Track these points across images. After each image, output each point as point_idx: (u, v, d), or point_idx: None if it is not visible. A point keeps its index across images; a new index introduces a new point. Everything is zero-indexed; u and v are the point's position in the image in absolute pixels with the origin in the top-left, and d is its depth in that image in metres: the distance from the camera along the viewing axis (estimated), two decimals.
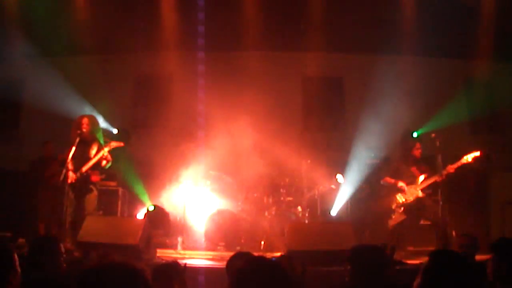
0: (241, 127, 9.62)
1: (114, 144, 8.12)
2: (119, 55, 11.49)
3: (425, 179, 8.44)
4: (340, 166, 10.87)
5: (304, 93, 12.32)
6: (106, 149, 7.99)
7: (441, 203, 7.77)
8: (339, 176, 10.32)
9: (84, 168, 7.85)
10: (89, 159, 7.93)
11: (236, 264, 3.92)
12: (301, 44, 11.14)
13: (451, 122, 10.12)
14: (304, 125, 12.16)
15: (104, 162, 8.00)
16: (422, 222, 9.09)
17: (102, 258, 5.49)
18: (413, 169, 8.63)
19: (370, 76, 11.62)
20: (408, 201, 8.47)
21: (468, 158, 8.08)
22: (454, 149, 9.01)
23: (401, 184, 8.55)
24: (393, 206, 8.61)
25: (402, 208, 8.50)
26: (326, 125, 12.23)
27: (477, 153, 8.08)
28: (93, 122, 8.22)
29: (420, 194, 8.43)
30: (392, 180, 8.70)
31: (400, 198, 8.53)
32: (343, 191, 10.18)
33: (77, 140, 7.81)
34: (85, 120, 8.07)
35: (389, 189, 8.89)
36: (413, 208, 8.46)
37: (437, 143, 8.05)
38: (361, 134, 11.48)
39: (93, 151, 8.03)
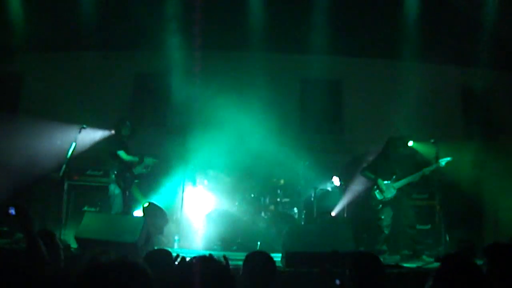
0: (240, 127, 9.64)
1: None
2: (119, 52, 11.42)
3: (402, 177, 8.45)
4: (337, 168, 10.92)
5: (302, 95, 12.34)
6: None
7: (438, 207, 7.81)
8: (335, 178, 10.36)
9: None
10: None
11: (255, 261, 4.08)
12: (301, 46, 11.16)
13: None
14: (301, 127, 12.18)
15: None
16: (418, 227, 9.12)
17: (100, 255, 5.48)
18: (394, 166, 8.61)
19: (369, 80, 11.69)
20: (386, 198, 8.46)
21: (442, 162, 8.15)
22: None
23: (380, 180, 8.52)
24: (373, 203, 8.58)
25: (381, 205, 8.49)
26: (324, 127, 12.27)
27: (449, 159, 8.14)
28: None
29: (397, 192, 8.41)
30: (372, 176, 8.67)
31: (379, 195, 8.52)
32: (340, 193, 10.23)
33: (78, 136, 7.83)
34: None
35: (370, 186, 8.87)
36: (392, 205, 8.45)
37: (435, 149, 8.10)
38: (358, 136, 11.54)
39: None
